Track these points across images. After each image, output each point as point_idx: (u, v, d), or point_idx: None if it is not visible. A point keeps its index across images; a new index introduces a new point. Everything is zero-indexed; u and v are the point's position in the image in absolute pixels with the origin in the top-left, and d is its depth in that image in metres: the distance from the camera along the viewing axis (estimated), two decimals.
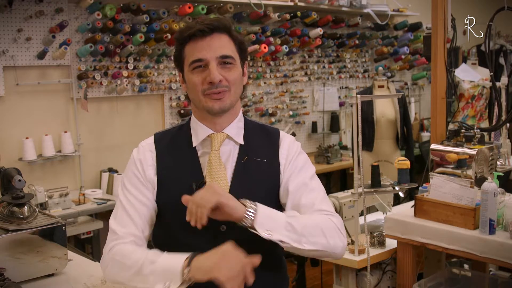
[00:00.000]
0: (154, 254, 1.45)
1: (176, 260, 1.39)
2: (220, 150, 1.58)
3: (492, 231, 2.50)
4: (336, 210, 2.96)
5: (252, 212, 1.41)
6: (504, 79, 3.63)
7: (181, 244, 1.50)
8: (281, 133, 1.68)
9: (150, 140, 1.64)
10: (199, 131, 1.59)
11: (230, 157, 1.58)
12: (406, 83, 6.52)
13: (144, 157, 1.60)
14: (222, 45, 1.52)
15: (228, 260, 1.33)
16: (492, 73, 3.24)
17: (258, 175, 1.58)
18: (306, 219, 1.51)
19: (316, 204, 1.56)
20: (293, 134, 5.43)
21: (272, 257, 1.57)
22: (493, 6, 3.22)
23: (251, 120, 1.69)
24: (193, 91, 1.54)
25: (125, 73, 4.31)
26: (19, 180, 1.87)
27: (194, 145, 1.59)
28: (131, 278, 1.44)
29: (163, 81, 4.55)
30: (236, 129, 1.61)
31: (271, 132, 1.67)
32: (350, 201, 2.98)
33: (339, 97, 5.93)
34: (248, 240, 1.49)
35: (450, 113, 4.19)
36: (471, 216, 2.60)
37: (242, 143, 1.60)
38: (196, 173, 1.55)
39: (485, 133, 3.02)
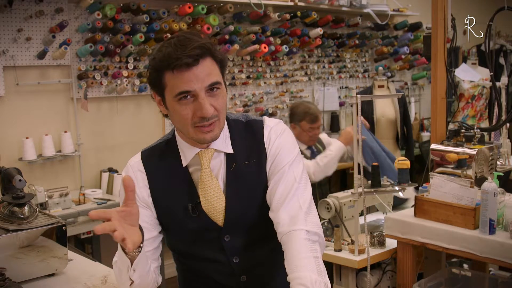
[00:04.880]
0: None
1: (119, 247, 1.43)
2: (211, 164, 1.54)
3: (492, 231, 2.51)
4: (336, 211, 2.96)
5: None
6: (504, 79, 3.62)
7: (194, 254, 1.59)
8: (265, 122, 1.60)
9: (138, 158, 1.59)
10: (186, 151, 1.55)
11: (221, 169, 1.55)
12: (406, 83, 6.52)
13: (135, 177, 1.55)
14: (209, 72, 1.43)
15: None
16: (492, 73, 3.24)
17: (250, 179, 1.54)
18: None
19: (286, 201, 1.48)
20: None
21: (280, 255, 1.54)
22: (493, 6, 3.22)
23: (235, 120, 1.61)
24: (181, 122, 1.47)
25: (125, 73, 4.31)
26: (20, 180, 1.86)
27: (184, 164, 1.55)
28: (121, 282, 1.50)
29: None
30: (222, 139, 1.54)
31: (254, 126, 1.59)
32: (350, 201, 2.98)
33: (339, 97, 5.92)
34: (255, 243, 1.55)
35: (450, 113, 4.19)
36: (471, 216, 2.60)
37: (232, 152, 1.55)
38: (191, 193, 1.52)
39: (485, 133, 3.01)
